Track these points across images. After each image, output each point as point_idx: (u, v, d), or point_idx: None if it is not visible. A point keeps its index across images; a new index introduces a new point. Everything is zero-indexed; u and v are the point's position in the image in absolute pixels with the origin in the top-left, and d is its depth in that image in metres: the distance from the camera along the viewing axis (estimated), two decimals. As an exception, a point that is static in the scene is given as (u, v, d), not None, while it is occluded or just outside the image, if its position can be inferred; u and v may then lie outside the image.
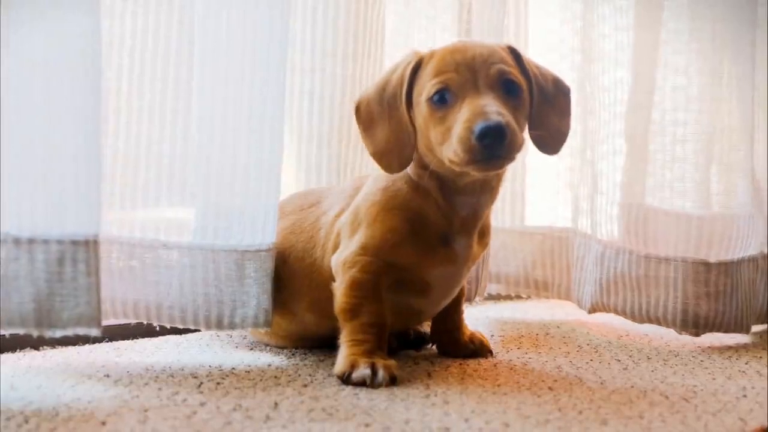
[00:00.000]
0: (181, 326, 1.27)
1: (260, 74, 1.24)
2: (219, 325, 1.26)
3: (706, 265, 1.52)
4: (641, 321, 1.55)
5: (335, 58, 1.48)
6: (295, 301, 1.29)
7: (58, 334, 1.08)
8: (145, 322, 1.28)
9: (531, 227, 1.75)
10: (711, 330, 1.52)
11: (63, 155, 1.08)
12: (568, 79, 1.67)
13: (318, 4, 1.46)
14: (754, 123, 1.62)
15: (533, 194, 1.79)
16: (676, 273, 1.52)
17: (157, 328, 1.33)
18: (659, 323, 1.54)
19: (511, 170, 1.71)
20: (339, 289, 1.22)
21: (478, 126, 1.09)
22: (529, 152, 1.75)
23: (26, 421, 0.95)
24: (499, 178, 1.24)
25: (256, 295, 1.26)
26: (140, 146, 1.27)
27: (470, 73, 1.15)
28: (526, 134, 1.21)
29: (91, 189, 1.10)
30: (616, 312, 1.58)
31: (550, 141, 1.24)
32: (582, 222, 1.64)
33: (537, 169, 1.77)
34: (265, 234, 1.27)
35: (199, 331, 1.41)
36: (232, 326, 1.27)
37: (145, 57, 1.27)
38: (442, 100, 1.15)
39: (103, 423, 0.96)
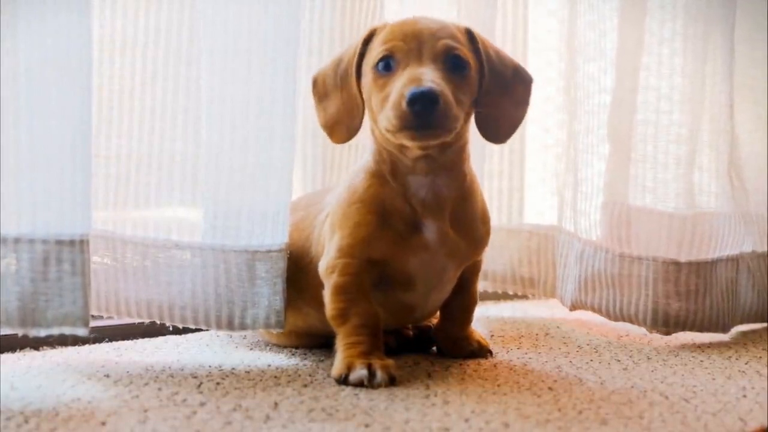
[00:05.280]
0: (193, 326, 1.28)
1: (269, 72, 1.25)
2: (230, 326, 1.27)
3: (677, 264, 1.52)
4: (616, 319, 1.56)
5: (321, 56, 1.48)
6: (299, 296, 1.30)
7: (43, 333, 1.08)
8: (146, 321, 1.29)
9: (518, 225, 1.75)
10: (683, 329, 1.52)
11: (50, 155, 1.08)
12: (565, 77, 1.69)
13: (305, 1, 1.46)
14: (734, 122, 1.63)
15: (521, 193, 1.78)
16: (647, 272, 1.52)
17: (166, 326, 1.33)
18: (632, 321, 1.54)
19: (507, 166, 1.74)
20: (326, 296, 1.22)
21: (409, 91, 1.10)
22: (527, 150, 1.77)
23: (26, 421, 0.96)
24: (454, 158, 1.23)
25: (267, 296, 1.26)
26: (153, 146, 1.28)
27: (416, 43, 1.16)
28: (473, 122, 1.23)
29: (78, 189, 1.10)
30: (593, 310, 1.58)
31: (499, 127, 1.25)
32: (566, 220, 1.65)
33: (531, 168, 1.78)
34: (275, 234, 1.27)
35: (200, 330, 1.41)
36: (243, 327, 1.27)
37: (157, 56, 1.28)
38: (387, 67, 1.17)
39: (103, 423, 0.96)
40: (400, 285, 1.24)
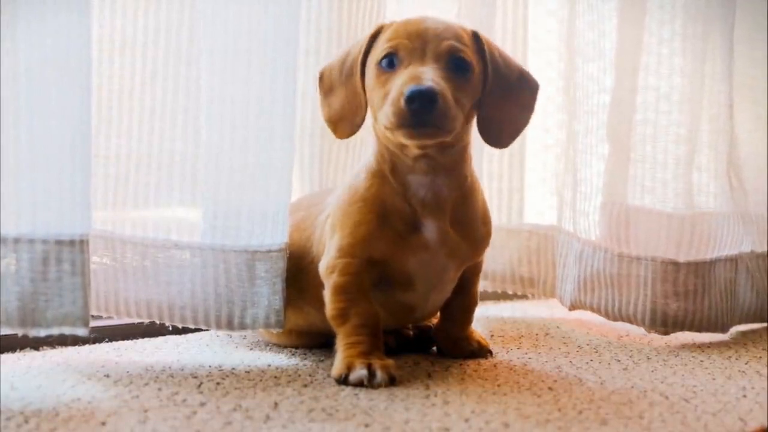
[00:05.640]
0: (192, 326, 1.28)
1: (269, 72, 1.25)
2: (230, 326, 1.27)
3: (675, 264, 1.52)
4: (615, 319, 1.56)
5: (318, 56, 1.49)
6: (300, 296, 1.30)
7: (43, 333, 1.08)
8: (146, 321, 1.29)
9: (518, 224, 1.75)
10: (681, 329, 1.53)
11: (50, 155, 1.08)
12: (564, 77, 1.69)
13: (301, 1, 1.46)
14: (733, 122, 1.63)
15: (521, 193, 1.78)
16: (646, 272, 1.52)
17: (165, 326, 1.34)
18: (630, 321, 1.55)
19: (507, 166, 1.73)
20: (326, 296, 1.22)
21: (408, 89, 1.10)
22: (528, 150, 1.76)
23: (26, 421, 0.95)
24: (455, 159, 1.22)
25: (267, 295, 1.26)
26: (152, 146, 1.28)
27: (420, 42, 1.16)
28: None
29: (78, 189, 1.10)
30: (592, 310, 1.58)
31: (501, 131, 1.25)
32: (565, 220, 1.65)
33: (531, 169, 1.78)
34: (275, 234, 1.27)
35: (200, 330, 1.41)
36: (242, 327, 1.27)
37: (157, 56, 1.28)
38: (390, 64, 1.17)
39: (103, 423, 0.96)
40: (399, 285, 1.24)
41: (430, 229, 1.22)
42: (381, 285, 1.24)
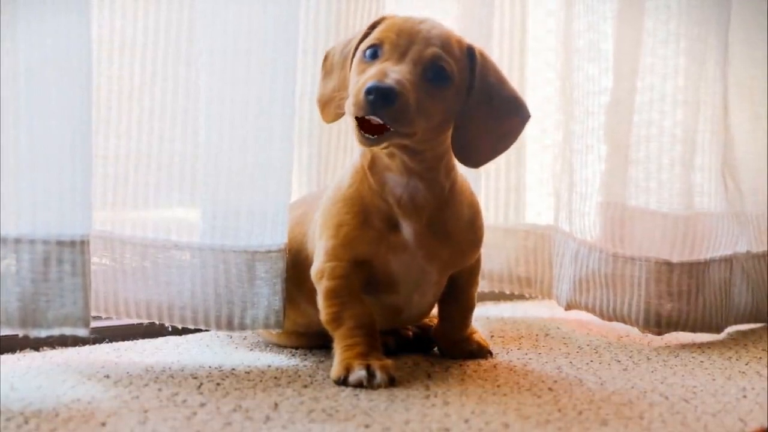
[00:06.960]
0: (192, 326, 1.28)
1: (268, 73, 1.25)
2: (230, 326, 1.27)
3: (669, 264, 1.52)
4: (609, 319, 1.56)
5: (316, 56, 1.49)
6: (298, 291, 1.30)
7: (44, 334, 1.08)
8: (146, 322, 1.29)
9: (514, 224, 1.75)
10: (675, 329, 1.53)
11: (50, 155, 1.08)
12: (561, 78, 1.69)
13: (300, 1, 1.46)
14: (728, 123, 1.63)
15: (518, 192, 1.78)
16: (640, 272, 1.53)
17: (164, 327, 1.33)
18: (624, 321, 1.55)
19: (504, 166, 1.73)
20: (319, 301, 1.22)
21: (370, 82, 1.09)
22: (526, 150, 1.77)
23: (26, 422, 0.95)
24: (429, 167, 1.20)
25: (267, 296, 1.26)
26: (152, 146, 1.28)
27: (407, 42, 1.15)
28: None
29: (78, 189, 1.10)
30: (587, 309, 1.59)
31: (478, 150, 1.22)
32: (562, 220, 1.65)
33: (529, 169, 1.78)
34: (275, 234, 1.27)
35: (200, 331, 1.41)
36: (242, 327, 1.27)
37: (156, 56, 1.28)
38: (373, 55, 1.16)
39: (103, 423, 0.96)
40: (384, 286, 1.24)
41: (406, 230, 1.21)
42: (367, 287, 1.23)
